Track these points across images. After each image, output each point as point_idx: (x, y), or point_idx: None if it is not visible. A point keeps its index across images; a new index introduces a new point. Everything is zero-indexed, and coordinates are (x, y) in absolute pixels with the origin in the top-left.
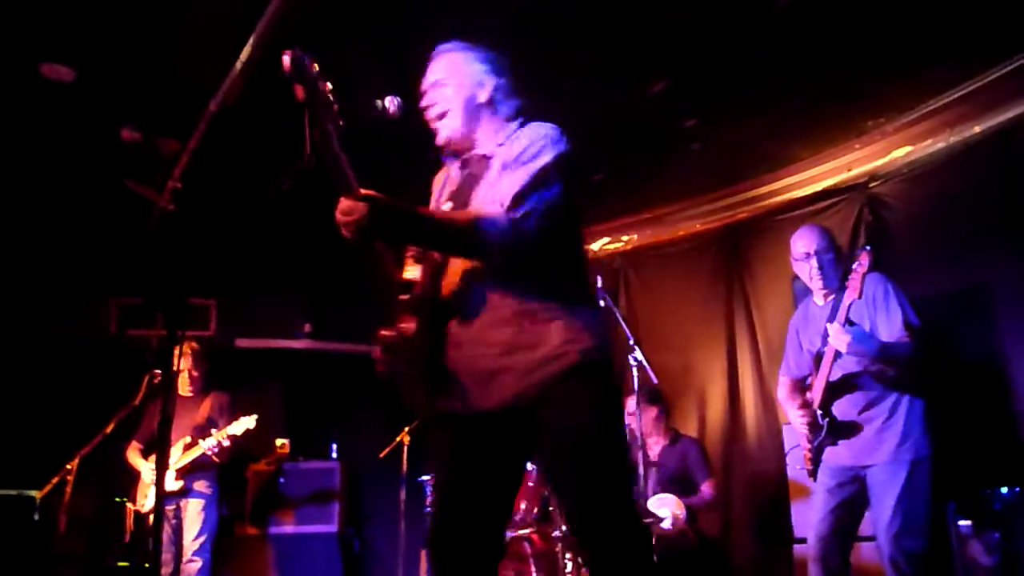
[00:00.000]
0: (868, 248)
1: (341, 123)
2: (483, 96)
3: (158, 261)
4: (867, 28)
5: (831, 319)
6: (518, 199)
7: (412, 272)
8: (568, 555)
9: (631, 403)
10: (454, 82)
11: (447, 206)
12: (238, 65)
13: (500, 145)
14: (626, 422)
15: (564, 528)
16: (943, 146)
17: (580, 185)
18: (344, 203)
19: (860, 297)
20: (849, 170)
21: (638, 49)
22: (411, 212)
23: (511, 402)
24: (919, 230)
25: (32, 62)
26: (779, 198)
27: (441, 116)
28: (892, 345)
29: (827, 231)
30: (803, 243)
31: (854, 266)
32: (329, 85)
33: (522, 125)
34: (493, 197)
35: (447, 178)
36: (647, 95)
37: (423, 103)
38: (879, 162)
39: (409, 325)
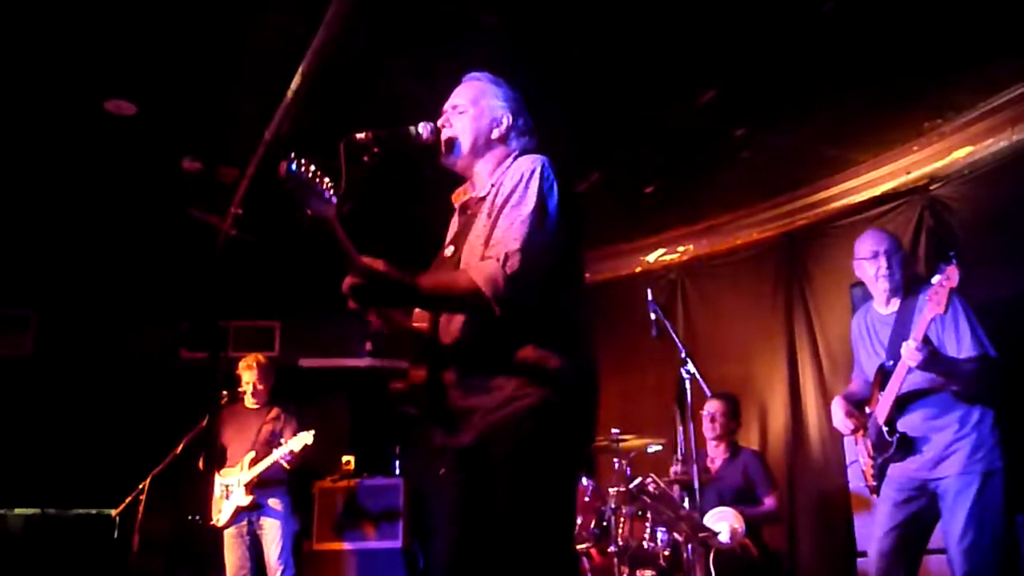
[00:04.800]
0: (955, 262)
1: (343, 208)
2: (496, 133)
3: (222, 285)
4: (919, 25)
5: (900, 331)
6: (509, 249)
7: (420, 321)
8: (625, 570)
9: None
10: (473, 111)
11: (449, 251)
12: (288, 95)
13: (493, 185)
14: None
15: (621, 543)
16: (1006, 144)
17: (573, 210)
18: (347, 279)
19: (945, 312)
20: (908, 173)
21: (684, 60)
22: (407, 284)
23: (478, 439)
24: (983, 232)
25: (96, 99)
26: (837, 204)
27: (451, 139)
28: (963, 365)
29: (893, 234)
30: (870, 243)
31: (938, 279)
32: (328, 180)
33: (515, 159)
34: (480, 244)
35: (456, 222)
36: (696, 105)
37: (439, 121)
38: (939, 164)
39: (419, 373)
